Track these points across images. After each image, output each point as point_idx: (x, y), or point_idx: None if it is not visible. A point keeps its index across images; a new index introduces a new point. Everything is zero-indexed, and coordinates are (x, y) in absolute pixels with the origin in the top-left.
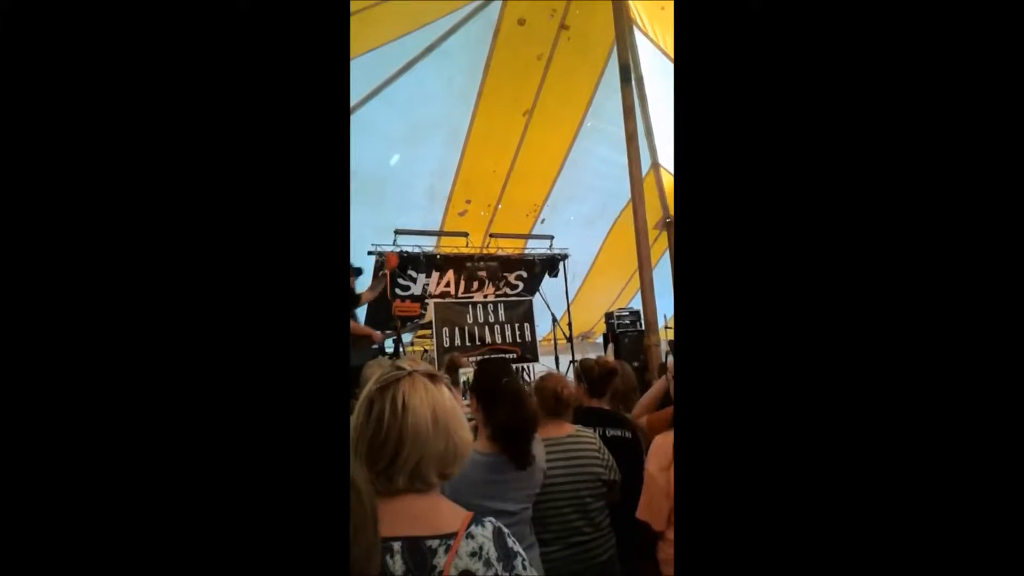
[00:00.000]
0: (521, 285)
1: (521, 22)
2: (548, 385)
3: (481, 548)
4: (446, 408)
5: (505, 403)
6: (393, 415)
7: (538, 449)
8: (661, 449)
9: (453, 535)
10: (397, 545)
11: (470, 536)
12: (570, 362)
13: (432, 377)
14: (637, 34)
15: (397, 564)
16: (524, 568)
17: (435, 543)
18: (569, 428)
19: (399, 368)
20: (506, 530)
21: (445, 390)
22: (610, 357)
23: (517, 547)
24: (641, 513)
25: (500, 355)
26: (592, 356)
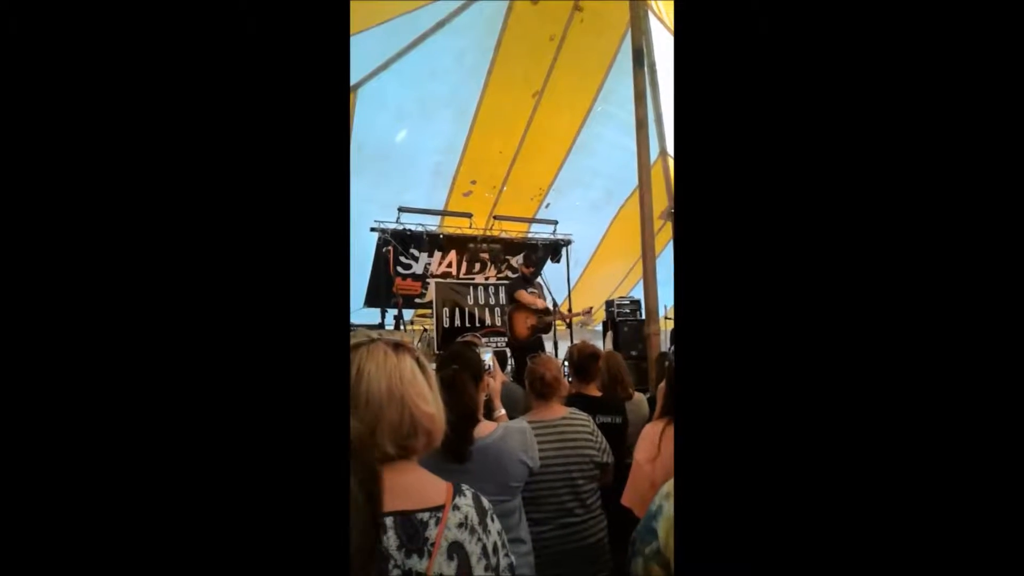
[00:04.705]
0: None
1: (535, 1)
2: (535, 368)
3: (467, 518)
4: (404, 378)
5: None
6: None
7: (513, 440)
8: (649, 438)
9: (441, 507)
10: (389, 520)
11: (456, 508)
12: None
13: (396, 346)
14: (652, 19)
15: (391, 539)
16: (493, 521)
17: (425, 515)
18: (562, 411)
19: (366, 336)
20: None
21: (408, 360)
22: (608, 345)
23: (486, 502)
24: (626, 499)
25: (467, 341)
26: (589, 343)
